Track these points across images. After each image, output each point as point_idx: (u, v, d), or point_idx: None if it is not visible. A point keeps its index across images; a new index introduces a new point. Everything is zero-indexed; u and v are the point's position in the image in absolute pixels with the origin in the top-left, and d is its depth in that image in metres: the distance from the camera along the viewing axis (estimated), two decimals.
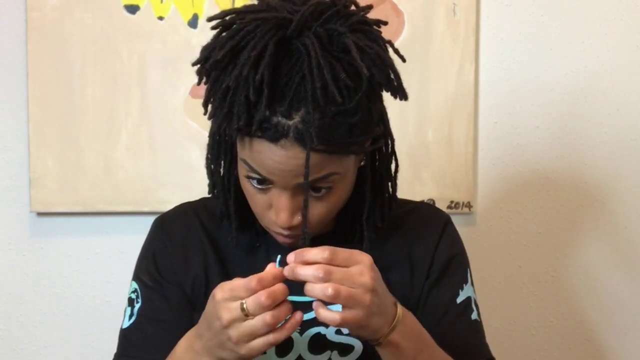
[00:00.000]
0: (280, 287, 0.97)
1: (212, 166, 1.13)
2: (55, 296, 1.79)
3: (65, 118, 1.73)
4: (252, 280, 0.96)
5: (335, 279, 0.96)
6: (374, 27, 1.07)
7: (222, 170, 1.14)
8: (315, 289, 0.96)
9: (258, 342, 0.97)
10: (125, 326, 1.18)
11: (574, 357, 1.88)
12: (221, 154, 1.12)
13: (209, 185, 1.15)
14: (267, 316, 0.96)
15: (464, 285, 1.19)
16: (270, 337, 0.98)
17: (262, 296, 0.96)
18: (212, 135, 1.11)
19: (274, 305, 0.96)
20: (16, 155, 1.75)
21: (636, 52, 1.82)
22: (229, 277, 1.13)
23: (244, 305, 0.96)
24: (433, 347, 1.08)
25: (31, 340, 1.80)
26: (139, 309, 1.17)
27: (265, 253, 1.16)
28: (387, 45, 1.07)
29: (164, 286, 1.17)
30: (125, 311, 1.19)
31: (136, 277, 1.20)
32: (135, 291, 1.19)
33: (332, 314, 0.97)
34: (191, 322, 1.10)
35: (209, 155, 1.13)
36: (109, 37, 1.73)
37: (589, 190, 1.84)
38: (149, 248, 1.21)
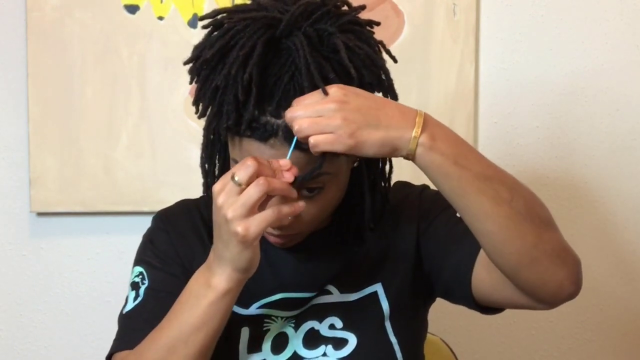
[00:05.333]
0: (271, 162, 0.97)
1: (207, 165, 1.13)
2: (55, 296, 1.79)
3: (65, 118, 1.73)
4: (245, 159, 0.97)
5: (299, 116, 0.96)
6: (367, 27, 1.07)
7: (216, 170, 1.14)
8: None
9: (256, 218, 0.95)
10: (128, 309, 1.15)
11: (574, 357, 1.88)
12: (215, 153, 1.12)
13: (203, 184, 1.15)
14: (260, 180, 0.94)
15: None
16: (269, 212, 0.96)
17: (248, 160, 0.95)
18: (206, 134, 1.12)
19: (267, 174, 0.96)
20: (16, 155, 1.75)
21: (636, 52, 1.82)
22: None
23: (234, 175, 0.95)
24: (472, 150, 1.03)
25: (31, 340, 1.80)
26: (146, 288, 1.14)
27: (263, 253, 1.16)
28: (380, 46, 1.07)
29: (171, 265, 1.16)
30: (127, 298, 1.16)
31: (140, 261, 1.18)
32: (140, 274, 1.16)
33: (309, 140, 0.96)
34: None
35: (203, 155, 1.13)
36: (109, 37, 1.73)
37: (589, 190, 1.84)
38: (151, 236, 1.20)
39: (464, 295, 1.14)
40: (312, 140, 0.96)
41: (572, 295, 1.06)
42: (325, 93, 0.97)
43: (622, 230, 1.86)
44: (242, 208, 0.95)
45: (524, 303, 1.09)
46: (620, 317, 1.87)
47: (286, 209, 0.98)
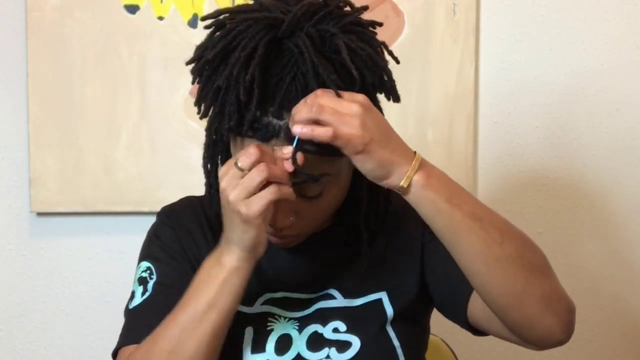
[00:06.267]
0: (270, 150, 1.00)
1: (209, 165, 1.13)
2: (55, 296, 1.79)
3: (65, 118, 1.73)
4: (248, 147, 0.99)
5: (323, 102, 0.96)
6: (369, 28, 1.07)
7: (219, 170, 1.14)
8: (302, 111, 0.97)
9: (257, 197, 0.98)
10: (136, 304, 1.14)
11: (574, 357, 1.88)
12: (217, 154, 1.12)
13: (206, 184, 1.16)
14: (261, 165, 0.97)
15: None
16: (269, 190, 0.98)
17: (251, 148, 0.98)
18: (208, 135, 1.12)
19: (268, 162, 0.98)
20: (16, 155, 1.75)
21: (636, 52, 1.82)
22: None
23: (237, 162, 0.98)
24: (464, 192, 1.04)
25: (31, 340, 1.80)
26: (155, 283, 1.14)
27: (265, 252, 1.17)
28: (382, 47, 1.07)
29: (179, 261, 1.16)
30: (133, 293, 1.16)
31: (146, 256, 1.18)
32: (147, 269, 1.16)
33: (325, 128, 0.96)
34: None
35: (205, 155, 1.13)
36: (109, 37, 1.73)
37: (589, 190, 1.84)
38: (157, 232, 1.20)
39: (457, 317, 1.16)
40: (331, 131, 0.96)
41: (561, 342, 1.07)
42: (339, 96, 0.98)
43: (622, 230, 1.86)
44: (244, 191, 0.98)
45: (513, 340, 1.10)
46: (620, 317, 1.87)
47: (286, 188, 1.00)
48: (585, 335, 1.87)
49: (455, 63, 1.78)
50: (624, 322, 1.88)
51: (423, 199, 1.00)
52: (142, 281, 1.16)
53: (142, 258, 1.19)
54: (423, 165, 1.00)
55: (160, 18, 1.73)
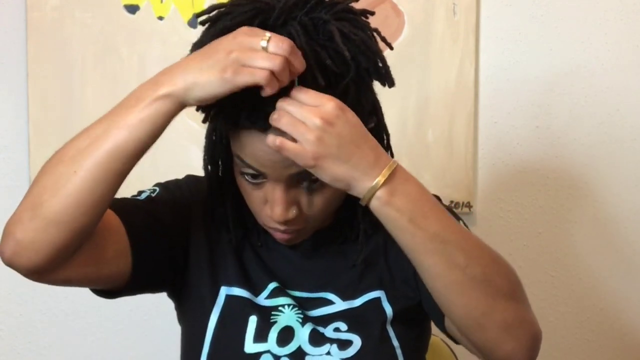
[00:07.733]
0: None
1: (209, 167, 1.13)
2: (55, 296, 1.79)
3: (65, 118, 1.73)
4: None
5: (287, 110, 0.95)
6: (362, 17, 1.06)
7: (220, 172, 1.14)
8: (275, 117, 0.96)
9: (247, 71, 0.93)
10: (121, 197, 1.11)
11: (574, 357, 1.88)
12: (216, 155, 1.12)
13: (207, 187, 1.16)
14: (283, 72, 0.93)
15: None
16: (262, 72, 0.92)
17: (287, 43, 0.94)
18: (208, 136, 1.11)
19: (285, 68, 0.94)
20: (16, 155, 1.76)
21: (636, 52, 1.82)
22: (240, 262, 1.14)
23: (269, 39, 0.93)
24: (436, 211, 1.02)
25: (31, 340, 1.80)
26: (148, 196, 1.14)
27: (266, 252, 1.17)
28: (375, 34, 1.06)
29: (175, 210, 1.15)
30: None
31: (160, 184, 1.18)
32: (153, 190, 1.16)
33: (276, 137, 0.95)
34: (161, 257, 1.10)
35: (205, 157, 1.13)
36: (109, 37, 1.73)
37: (589, 190, 1.85)
38: (178, 179, 1.20)
39: (438, 326, 1.16)
40: (278, 141, 0.96)
41: None
42: (321, 84, 0.97)
43: (622, 230, 1.86)
44: (248, 60, 0.93)
45: (480, 358, 1.10)
46: (620, 317, 1.87)
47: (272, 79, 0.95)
48: (586, 335, 1.87)
49: (455, 63, 1.78)
50: (624, 322, 1.88)
51: (384, 215, 0.99)
52: (140, 192, 1.16)
53: (154, 185, 1.19)
54: (391, 179, 0.98)
55: (160, 18, 1.73)
